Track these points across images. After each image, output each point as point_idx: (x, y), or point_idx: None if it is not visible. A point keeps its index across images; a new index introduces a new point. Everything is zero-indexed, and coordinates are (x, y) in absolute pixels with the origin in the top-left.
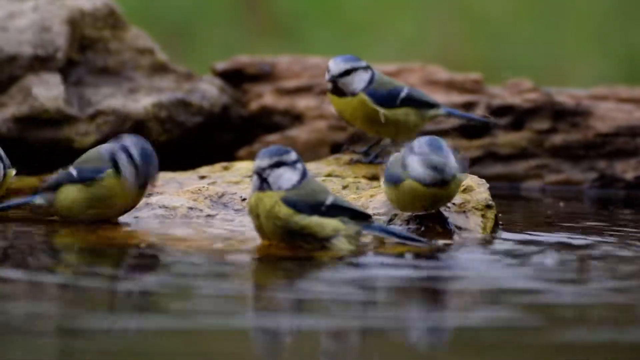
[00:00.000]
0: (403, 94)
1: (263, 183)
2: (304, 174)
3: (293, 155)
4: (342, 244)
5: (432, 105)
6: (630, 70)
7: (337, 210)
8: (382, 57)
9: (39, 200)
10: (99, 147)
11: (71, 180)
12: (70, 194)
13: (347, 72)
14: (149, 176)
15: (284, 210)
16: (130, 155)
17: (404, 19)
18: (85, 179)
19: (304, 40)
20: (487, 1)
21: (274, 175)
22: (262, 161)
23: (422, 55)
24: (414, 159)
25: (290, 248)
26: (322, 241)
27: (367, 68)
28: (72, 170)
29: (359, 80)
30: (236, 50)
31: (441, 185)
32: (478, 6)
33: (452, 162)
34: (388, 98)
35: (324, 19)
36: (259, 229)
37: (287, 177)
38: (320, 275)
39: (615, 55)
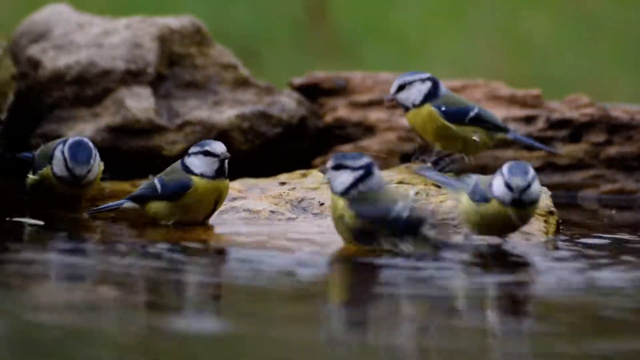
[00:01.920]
0: (472, 113)
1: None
2: None
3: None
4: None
5: (501, 129)
6: None
7: None
8: (435, 74)
9: (128, 204)
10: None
11: (156, 197)
12: (156, 207)
13: (401, 88)
14: (219, 155)
15: None
16: (195, 153)
17: (455, 40)
18: (170, 196)
19: (363, 59)
20: (530, 24)
21: None
22: None
23: (471, 73)
24: (498, 180)
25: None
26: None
27: (425, 80)
28: (157, 184)
29: (415, 92)
30: (298, 69)
31: (519, 207)
32: (522, 28)
33: (534, 188)
34: (457, 115)
35: (381, 40)
36: None
37: None
38: None
39: None
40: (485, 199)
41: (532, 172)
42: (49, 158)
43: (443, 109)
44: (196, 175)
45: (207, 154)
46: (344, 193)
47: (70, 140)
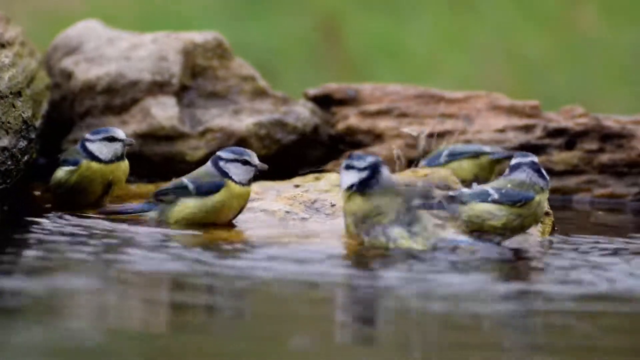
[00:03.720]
0: (445, 152)
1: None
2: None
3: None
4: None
5: (479, 153)
6: None
7: None
8: (440, 89)
9: (152, 214)
10: (203, 167)
11: (189, 194)
12: (188, 206)
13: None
14: (257, 166)
15: None
16: (232, 160)
17: (460, 59)
18: (203, 193)
19: (373, 75)
20: (530, 44)
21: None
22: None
23: (475, 88)
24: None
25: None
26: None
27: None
28: (189, 184)
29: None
30: (312, 84)
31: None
32: (522, 48)
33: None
34: (432, 161)
35: (391, 60)
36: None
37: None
38: None
39: None
40: (529, 197)
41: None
42: (84, 153)
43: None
44: (231, 179)
45: (245, 163)
46: (348, 189)
47: (91, 131)
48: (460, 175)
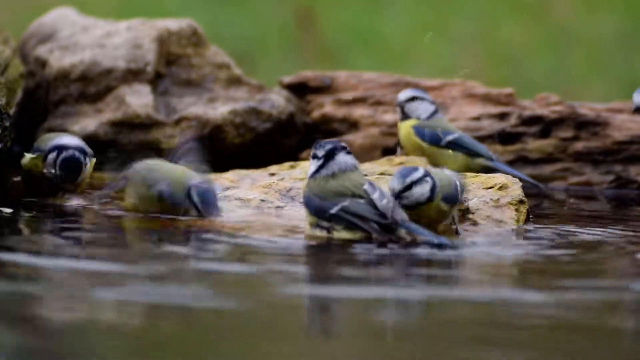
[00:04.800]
0: (450, 137)
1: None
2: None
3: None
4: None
5: (480, 155)
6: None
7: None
8: (417, 77)
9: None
10: (184, 175)
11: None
12: (141, 200)
13: (413, 99)
14: (210, 215)
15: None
16: (195, 202)
17: (437, 47)
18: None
19: (349, 63)
20: (508, 33)
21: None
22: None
23: (452, 77)
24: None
25: None
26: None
27: (432, 102)
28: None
29: (423, 109)
30: (288, 71)
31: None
32: (500, 37)
33: (413, 192)
34: (433, 137)
35: (368, 48)
36: None
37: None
38: None
39: (619, 80)
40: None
41: (415, 176)
42: (44, 156)
43: (421, 130)
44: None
45: None
46: (310, 177)
47: (63, 154)
48: (449, 165)
